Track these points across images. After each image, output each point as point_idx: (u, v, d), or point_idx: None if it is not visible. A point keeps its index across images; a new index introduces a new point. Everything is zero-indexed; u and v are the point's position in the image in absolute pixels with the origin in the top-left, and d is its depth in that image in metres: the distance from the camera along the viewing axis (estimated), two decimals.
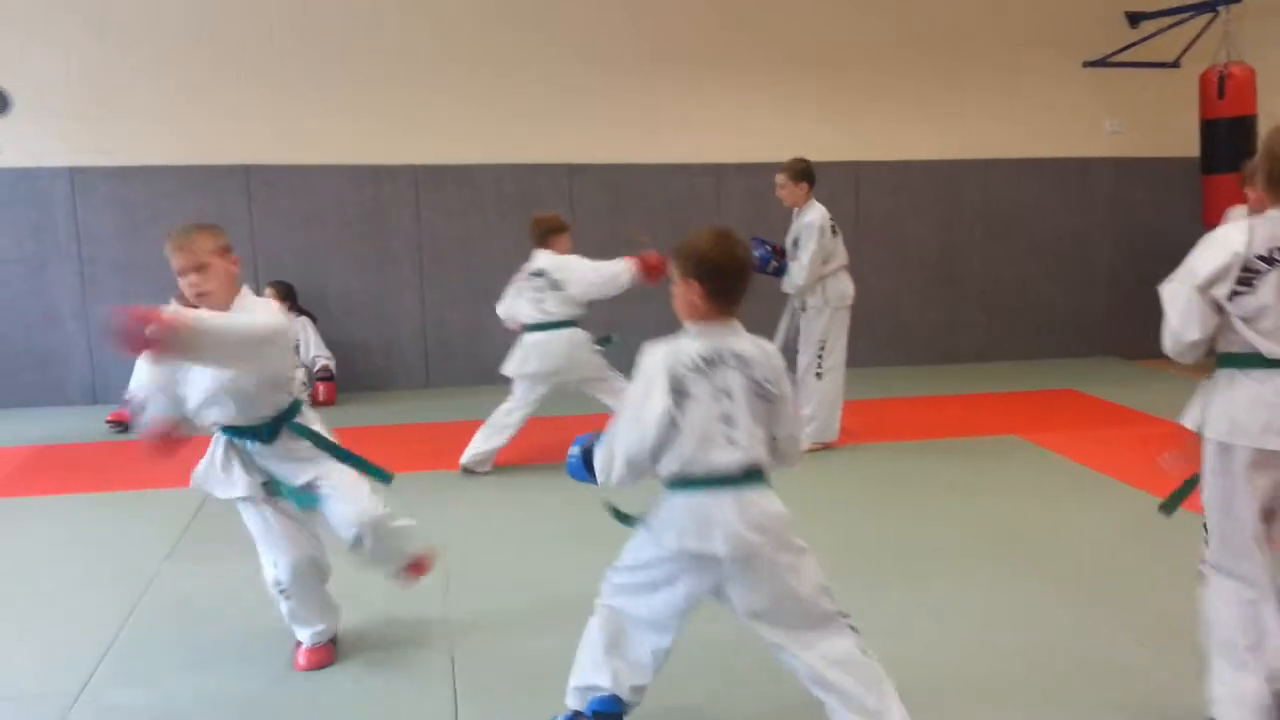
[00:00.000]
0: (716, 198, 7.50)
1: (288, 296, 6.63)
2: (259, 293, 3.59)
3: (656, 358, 2.33)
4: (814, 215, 5.17)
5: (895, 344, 7.80)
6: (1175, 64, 7.73)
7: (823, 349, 5.29)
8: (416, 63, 6.95)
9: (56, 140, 6.53)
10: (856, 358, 7.20)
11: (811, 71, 7.47)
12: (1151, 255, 8.03)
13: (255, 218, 6.85)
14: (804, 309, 5.34)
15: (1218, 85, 6.75)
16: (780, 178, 5.25)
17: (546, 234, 5.01)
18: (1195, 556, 2.62)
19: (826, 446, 5.34)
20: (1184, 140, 7.44)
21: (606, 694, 2.43)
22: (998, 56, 7.76)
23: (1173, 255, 8.26)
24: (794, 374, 5.06)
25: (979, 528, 4.20)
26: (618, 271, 4.83)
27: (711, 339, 2.34)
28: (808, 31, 7.46)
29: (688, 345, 2.34)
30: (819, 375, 5.30)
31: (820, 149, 7.57)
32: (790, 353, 5.15)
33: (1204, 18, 7.28)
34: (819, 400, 5.31)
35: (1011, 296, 7.97)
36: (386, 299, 7.09)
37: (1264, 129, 6.95)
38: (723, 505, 2.27)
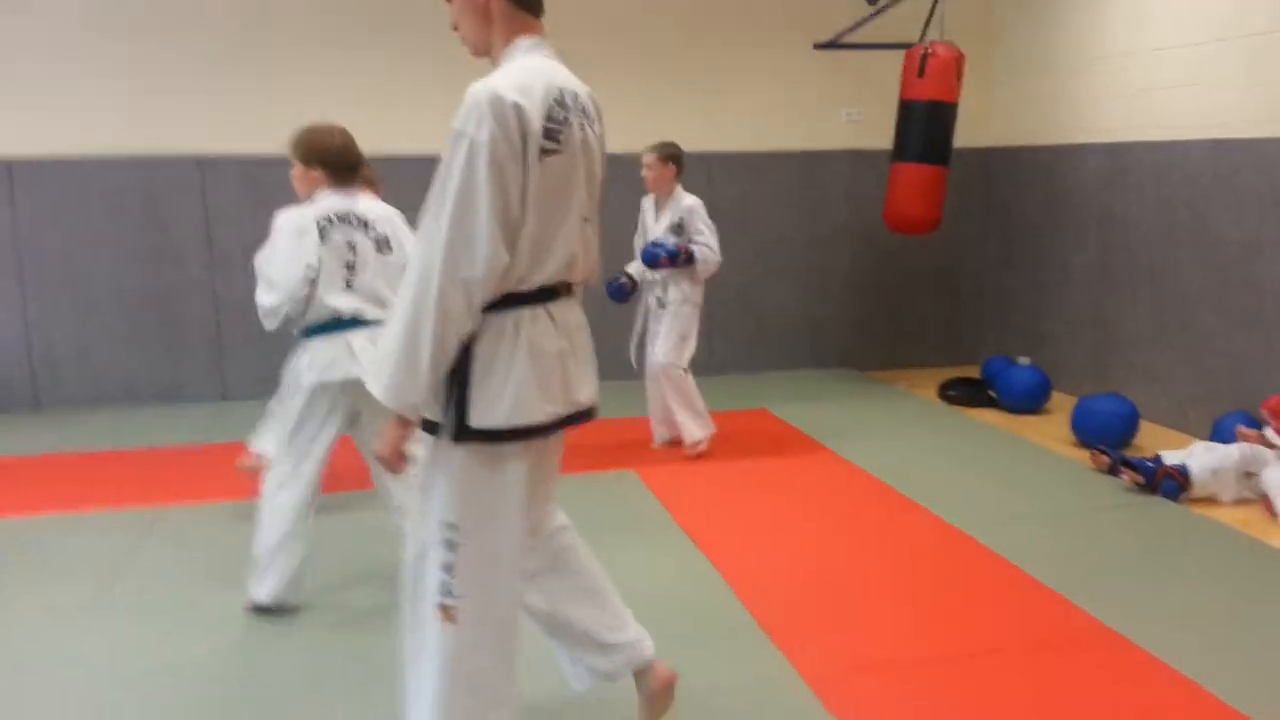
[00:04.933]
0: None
1: None
2: None
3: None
4: (693, 199, 5.15)
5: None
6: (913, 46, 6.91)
7: (684, 343, 5.14)
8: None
9: None
10: None
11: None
12: (892, 257, 7.27)
13: None
14: (664, 305, 5.08)
15: (919, 64, 5.91)
16: (649, 158, 5.09)
17: None
18: None
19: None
20: None
21: None
22: (720, 37, 6.91)
23: (914, 257, 7.39)
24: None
25: None
26: None
27: None
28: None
29: None
30: (685, 371, 5.13)
31: None
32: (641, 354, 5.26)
33: None
34: (682, 400, 5.12)
35: (736, 304, 7.13)
36: None
37: (965, 120, 6.25)
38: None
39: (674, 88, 6.86)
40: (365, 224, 3.29)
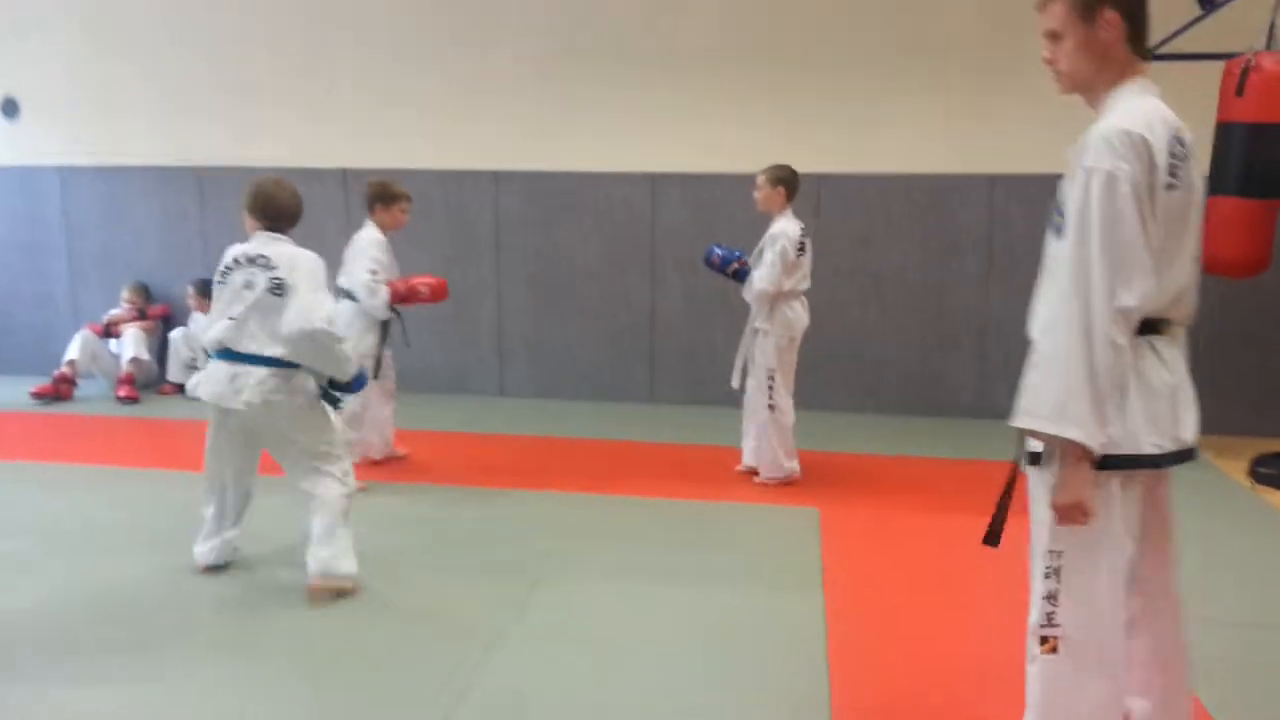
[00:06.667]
0: (651, 208, 6.79)
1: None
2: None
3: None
4: (782, 226, 4.92)
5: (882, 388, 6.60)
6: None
7: (771, 380, 4.97)
8: (336, 60, 6.96)
9: (50, 141, 7.33)
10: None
11: (788, 75, 6.52)
12: (1202, 297, 6.02)
13: (206, 217, 7.26)
14: (755, 333, 5.06)
15: (1239, 79, 4.92)
16: (759, 178, 5.06)
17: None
18: None
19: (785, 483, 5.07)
20: None
21: None
22: (1016, 58, 6.25)
23: (1227, 301, 6.59)
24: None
25: None
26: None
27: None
28: (792, 29, 6.51)
29: None
30: (770, 408, 4.98)
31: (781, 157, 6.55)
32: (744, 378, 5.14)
33: None
34: (769, 434, 5.00)
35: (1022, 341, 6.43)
36: None
37: None
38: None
39: (971, 108, 6.34)
40: None
